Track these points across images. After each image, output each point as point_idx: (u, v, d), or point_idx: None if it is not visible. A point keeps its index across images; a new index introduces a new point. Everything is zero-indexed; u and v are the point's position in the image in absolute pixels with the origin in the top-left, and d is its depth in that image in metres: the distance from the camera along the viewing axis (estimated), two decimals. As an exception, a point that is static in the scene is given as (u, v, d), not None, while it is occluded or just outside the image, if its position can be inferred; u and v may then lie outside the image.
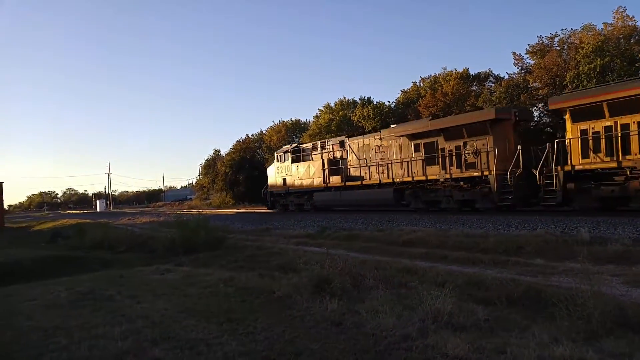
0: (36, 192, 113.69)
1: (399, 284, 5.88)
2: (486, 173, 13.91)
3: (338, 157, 20.22)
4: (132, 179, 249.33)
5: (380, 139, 18.29)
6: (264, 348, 3.72)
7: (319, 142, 22.33)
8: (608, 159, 11.48)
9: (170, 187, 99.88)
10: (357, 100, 43.61)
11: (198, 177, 62.47)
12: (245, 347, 3.75)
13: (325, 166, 20.16)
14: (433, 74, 39.09)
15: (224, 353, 3.61)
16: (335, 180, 19.63)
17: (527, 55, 29.94)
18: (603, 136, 11.60)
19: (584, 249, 6.47)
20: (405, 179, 16.55)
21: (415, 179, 16.26)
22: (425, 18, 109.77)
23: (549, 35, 29.06)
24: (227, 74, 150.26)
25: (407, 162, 16.68)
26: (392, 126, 19.42)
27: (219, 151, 62.26)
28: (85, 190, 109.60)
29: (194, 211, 30.57)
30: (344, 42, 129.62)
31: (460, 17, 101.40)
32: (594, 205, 11.87)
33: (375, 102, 41.06)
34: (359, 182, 18.61)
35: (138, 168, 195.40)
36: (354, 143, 19.61)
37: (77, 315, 5.07)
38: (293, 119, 53.70)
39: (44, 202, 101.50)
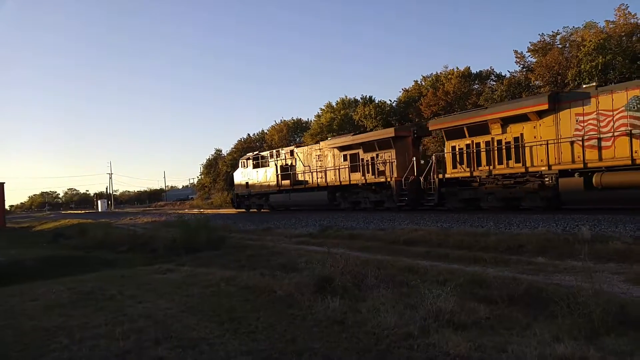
0: (37, 192, 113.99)
1: (401, 283, 5.88)
2: (389, 179, 17.33)
3: (289, 164, 23.28)
4: (133, 179, 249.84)
5: (319, 149, 21.50)
6: (265, 347, 3.72)
7: (274, 150, 25.50)
8: (467, 169, 14.95)
9: (171, 186, 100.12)
10: (359, 99, 43.57)
11: (199, 177, 62.64)
12: (247, 346, 3.76)
13: (279, 172, 23.38)
14: (435, 73, 39.02)
15: (226, 352, 3.62)
16: (286, 183, 22.81)
17: (529, 54, 29.87)
18: (465, 152, 15.14)
19: (585, 247, 6.44)
20: (336, 184, 19.97)
21: (343, 183, 19.66)
22: (426, 16, 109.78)
23: (551, 33, 28.98)
24: (229, 74, 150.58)
25: (338, 169, 20.06)
26: (328, 139, 22.67)
27: (221, 151, 62.34)
28: (86, 191, 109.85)
29: (196, 211, 30.87)
30: (345, 41, 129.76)
31: (461, 15, 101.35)
32: (459, 205, 15.22)
33: (376, 101, 41.02)
34: (303, 186, 21.92)
35: (139, 168, 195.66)
36: (301, 152, 22.77)
37: (79, 315, 5.09)
38: (294, 118, 53.69)
39: (45, 202, 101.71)
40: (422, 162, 17.54)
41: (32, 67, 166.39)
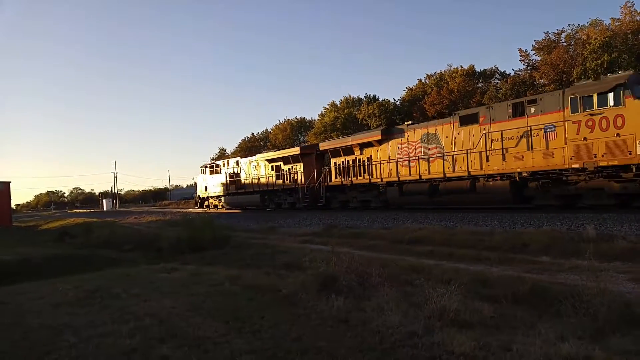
0: (43, 191, 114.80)
1: (405, 282, 5.88)
2: (298, 185, 22.55)
3: (236, 172, 28.77)
4: (138, 178, 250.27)
5: (256, 161, 26.96)
6: (270, 346, 3.73)
7: (225, 160, 31.31)
8: (341, 179, 20.44)
9: (176, 185, 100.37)
10: (363, 98, 43.52)
11: (203, 176, 62.83)
12: (251, 345, 3.78)
13: (227, 179, 29.07)
14: (439, 71, 38.95)
15: (231, 351, 3.64)
16: (233, 188, 28.50)
17: (534, 52, 29.71)
18: (340, 167, 20.60)
19: (590, 246, 6.42)
20: (266, 189, 25.46)
21: (269, 188, 25.20)
22: (430, 14, 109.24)
23: (556, 31, 28.80)
24: (233, 72, 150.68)
25: (267, 177, 25.48)
26: (262, 153, 28.08)
27: (225, 150, 62.56)
28: (91, 190, 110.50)
29: (200, 210, 31.67)
30: (349, 40, 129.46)
31: (466, 13, 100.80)
32: (338, 205, 20.78)
33: (380, 100, 40.95)
34: (244, 190, 27.51)
35: (144, 167, 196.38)
36: (244, 162, 28.29)
37: (85, 313, 5.13)
38: (298, 117, 53.72)
39: (51, 202, 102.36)
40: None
41: (38, 66, 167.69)
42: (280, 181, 24.21)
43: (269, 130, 55.45)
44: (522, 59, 30.64)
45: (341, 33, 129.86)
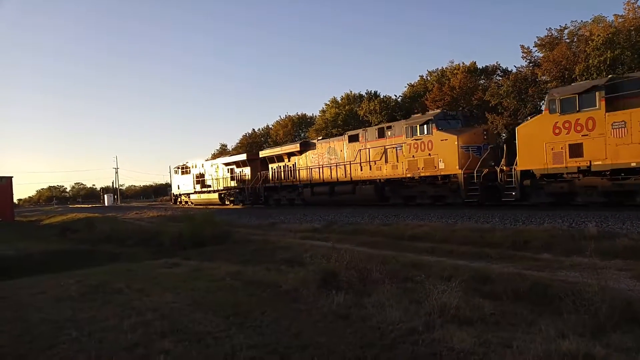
0: (45, 186, 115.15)
1: (405, 278, 5.89)
2: (246, 185, 27.24)
3: (202, 172, 33.61)
4: (139, 173, 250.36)
5: (216, 164, 31.85)
6: (271, 341, 3.75)
7: (193, 162, 35.81)
8: (276, 181, 24.74)
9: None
10: (364, 94, 43.37)
11: (204, 172, 62.90)
12: (252, 340, 3.79)
13: (195, 179, 34.29)
14: (440, 68, 38.64)
15: (232, 346, 3.65)
16: (199, 187, 33.60)
17: (536, 48, 29.50)
18: (275, 171, 24.94)
19: (592, 244, 6.41)
20: (223, 188, 30.66)
21: (226, 187, 30.20)
22: (432, 10, 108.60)
23: (558, 28, 28.56)
24: (234, 69, 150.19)
25: (224, 178, 30.47)
26: (221, 157, 33.56)
27: (226, 145, 62.45)
28: (93, 185, 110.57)
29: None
30: (350, 36, 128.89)
31: (467, 9, 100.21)
32: (273, 202, 25.08)
33: (381, 96, 40.81)
34: (208, 189, 32.35)
35: (145, 162, 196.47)
36: (208, 165, 33.17)
37: (87, 308, 5.15)
38: (299, 113, 53.53)
39: (53, 197, 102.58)
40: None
41: (40, 61, 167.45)
42: (234, 182, 29.21)
43: (270, 126, 55.37)
44: (524, 55, 30.42)
45: (343, 29, 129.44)
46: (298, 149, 22.87)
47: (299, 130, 51.69)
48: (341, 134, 23.56)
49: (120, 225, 19.89)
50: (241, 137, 58.55)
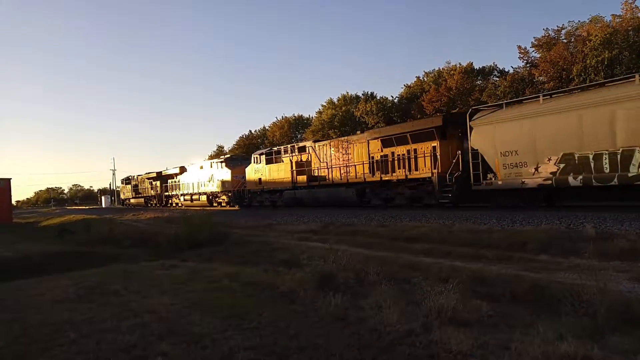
0: (43, 188, 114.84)
1: (403, 280, 5.89)
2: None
3: (135, 184, 46.84)
4: (136, 175, 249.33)
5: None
6: (268, 343, 3.74)
7: (135, 176, 47.95)
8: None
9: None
10: (360, 95, 43.44)
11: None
12: (250, 341, 3.78)
13: (132, 188, 47.79)
14: (437, 68, 38.84)
15: (229, 347, 3.64)
16: (134, 194, 47.01)
17: (533, 49, 29.61)
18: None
19: (590, 245, 6.43)
20: (149, 195, 41.84)
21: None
22: (429, 11, 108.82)
23: (556, 28, 28.72)
24: (230, 70, 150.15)
25: (146, 189, 42.62)
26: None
27: (222, 147, 62.45)
28: (90, 186, 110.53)
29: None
30: (347, 37, 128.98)
31: (464, 9, 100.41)
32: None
33: (378, 97, 40.87)
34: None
35: (142, 164, 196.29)
36: (139, 180, 45.71)
37: (85, 309, 5.13)
38: (296, 114, 53.57)
39: (50, 198, 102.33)
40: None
41: (35, 64, 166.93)
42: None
43: (267, 127, 55.34)
44: (521, 56, 30.55)
45: (339, 30, 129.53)
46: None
47: (295, 132, 51.66)
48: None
49: (118, 227, 19.82)
50: (238, 138, 58.57)
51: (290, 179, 22.47)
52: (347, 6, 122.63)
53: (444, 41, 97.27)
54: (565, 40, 28.27)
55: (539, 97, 12.94)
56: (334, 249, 6.56)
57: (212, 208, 29.82)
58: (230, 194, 29.19)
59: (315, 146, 22.07)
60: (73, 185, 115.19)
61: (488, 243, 8.67)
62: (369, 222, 13.54)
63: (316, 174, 21.49)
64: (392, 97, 40.96)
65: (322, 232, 12.87)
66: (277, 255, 9.31)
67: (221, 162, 30.93)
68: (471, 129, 14.11)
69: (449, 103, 31.71)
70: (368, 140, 18.60)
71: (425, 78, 39.82)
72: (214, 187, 30.97)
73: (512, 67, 32.85)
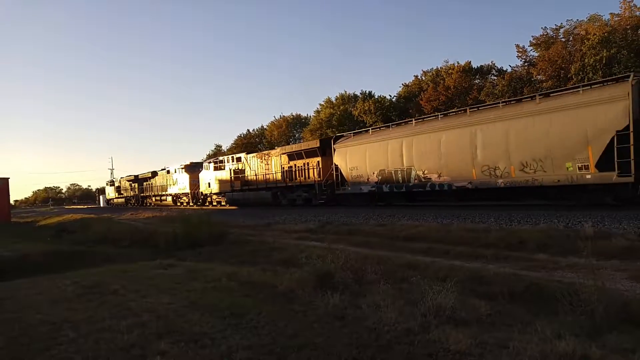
0: (41, 187, 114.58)
1: (401, 279, 5.89)
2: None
3: (118, 185, 53.01)
4: (163, 169, 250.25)
5: (125, 180, 49.46)
6: (267, 342, 3.74)
7: (119, 179, 54.06)
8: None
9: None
10: (358, 94, 43.40)
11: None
12: (248, 340, 3.78)
13: (115, 189, 54.48)
14: (435, 67, 38.83)
15: (228, 347, 3.64)
16: (117, 194, 53.64)
17: (531, 48, 29.63)
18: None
19: (588, 244, 6.43)
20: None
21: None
22: (427, 9, 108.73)
23: (554, 27, 28.74)
24: (229, 69, 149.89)
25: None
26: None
27: (221, 146, 62.39)
28: (88, 185, 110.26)
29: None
30: (345, 36, 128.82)
31: (462, 8, 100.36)
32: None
33: (376, 97, 40.85)
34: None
35: (140, 163, 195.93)
36: (122, 181, 52.09)
37: (84, 308, 5.12)
38: (294, 113, 53.51)
39: (49, 197, 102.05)
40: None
41: (33, 62, 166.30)
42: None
43: (265, 127, 55.28)
44: (520, 55, 30.58)
45: (337, 29, 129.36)
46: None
47: (293, 131, 51.62)
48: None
49: (116, 227, 19.78)
50: (236, 137, 58.50)
51: (230, 183, 27.96)
52: (346, 5, 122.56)
53: (442, 40, 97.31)
54: (563, 39, 28.30)
55: (369, 130, 19.82)
56: (332, 248, 6.56)
57: (176, 207, 35.78)
58: (189, 195, 35.29)
59: (247, 157, 27.46)
60: (71, 185, 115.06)
61: (486, 242, 8.69)
62: (366, 222, 13.55)
63: (248, 180, 26.89)
64: (390, 96, 40.97)
65: (320, 231, 12.87)
66: (276, 254, 9.31)
67: (182, 168, 36.56)
68: (334, 150, 20.10)
69: (447, 102, 31.72)
70: (280, 155, 24.09)
71: (423, 77, 39.81)
72: (177, 190, 37.44)
73: (510, 66, 32.89)
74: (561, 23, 29.53)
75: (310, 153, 21.61)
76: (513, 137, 12.98)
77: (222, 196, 29.76)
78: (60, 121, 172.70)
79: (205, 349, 3.65)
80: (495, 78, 34.32)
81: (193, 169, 35.11)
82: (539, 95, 13.43)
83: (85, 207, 59.74)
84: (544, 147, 12.22)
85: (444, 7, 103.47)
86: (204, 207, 30.53)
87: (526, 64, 30.24)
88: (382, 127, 19.94)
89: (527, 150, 12.64)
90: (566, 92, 12.81)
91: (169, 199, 39.05)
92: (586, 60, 23.93)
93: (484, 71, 36.03)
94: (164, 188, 39.74)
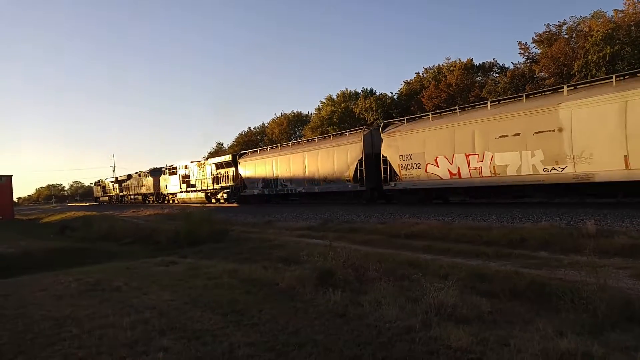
0: (44, 184, 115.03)
1: (402, 277, 5.89)
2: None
3: (104, 186, 59.51)
4: (136, 172, 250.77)
5: (110, 181, 57.57)
6: (268, 339, 3.75)
7: (104, 179, 60.90)
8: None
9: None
10: (360, 91, 43.27)
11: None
12: (250, 337, 3.79)
13: (101, 189, 61.03)
14: (437, 65, 38.64)
15: (229, 343, 3.65)
16: (102, 193, 60.45)
17: (534, 44, 29.46)
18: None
19: (590, 242, 6.42)
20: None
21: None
22: (428, 6, 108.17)
23: (557, 23, 28.55)
24: (230, 66, 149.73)
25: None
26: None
27: (222, 144, 62.38)
28: (91, 183, 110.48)
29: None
30: (345, 33, 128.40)
31: (464, 5, 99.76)
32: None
33: (377, 94, 40.73)
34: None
35: (142, 161, 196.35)
36: (108, 181, 59.23)
37: (87, 305, 5.15)
38: (295, 111, 53.39)
39: (51, 195, 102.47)
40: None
41: (37, 62, 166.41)
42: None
43: (266, 124, 55.21)
44: (522, 52, 30.40)
45: (339, 26, 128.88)
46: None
47: (294, 128, 51.52)
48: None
49: (118, 224, 19.85)
50: (237, 135, 58.48)
51: (179, 186, 35.76)
52: (346, 3, 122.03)
53: (444, 37, 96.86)
54: (566, 36, 28.10)
55: (266, 148, 29.05)
56: (333, 245, 6.56)
57: (144, 204, 42.92)
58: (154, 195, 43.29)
59: (191, 165, 34.78)
60: (74, 182, 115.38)
61: (487, 240, 8.68)
62: (368, 219, 13.54)
63: (191, 183, 34.47)
64: (392, 93, 40.84)
65: (321, 228, 12.88)
66: (277, 252, 9.32)
67: (147, 173, 44.21)
68: (239, 163, 28.34)
69: (449, 99, 31.58)
70: (211, 164, 31.70)
71: (424, 74, 39.65)
72: (145, 190, 45.55)
73: (513, 63, 32.69)
74: (564, 20, 29.35)
75: (228, 164, 29.55)
76: (317, 162, 21.59)
77: (174, 195, 38.01)
78: (63, 119, 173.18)
79: (207, 345, 3.66)
80: (497, 75, 34.13)
81: (157, 174, 42.36)
82: (332, 135, 23.35)
83: (87, 204, 60.17)
84: (331, 168, 20.60)
85: (446, 4, 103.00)
86: (163, 204, 37.57)
87: (529, 61, 30.05)
88: (270, 147, 29.29)
89: (325, 170, 21.01)
90: (342, 133, 22.36)
91: (140, 197, 47.13)
92: (589, 57, 23.77)
93: (486, 68, 35.84)
94: (136, 188, 47.69)
